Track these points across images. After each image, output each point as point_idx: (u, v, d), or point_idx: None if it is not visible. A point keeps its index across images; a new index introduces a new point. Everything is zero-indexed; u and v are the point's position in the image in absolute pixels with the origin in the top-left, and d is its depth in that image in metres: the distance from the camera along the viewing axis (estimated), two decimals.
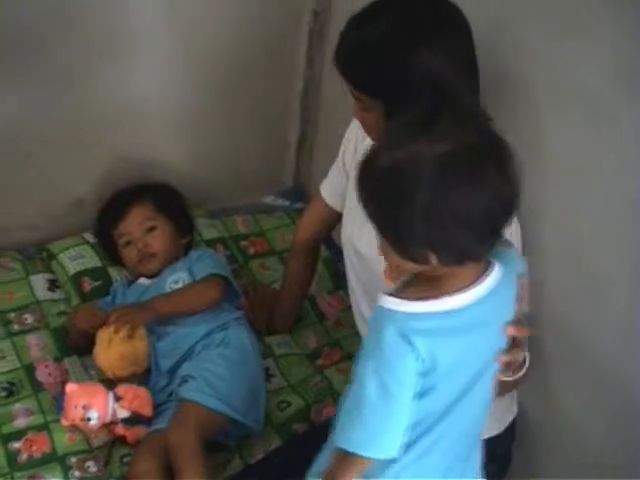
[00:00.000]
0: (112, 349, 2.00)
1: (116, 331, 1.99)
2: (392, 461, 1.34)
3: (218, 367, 1.94)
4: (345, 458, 1.32)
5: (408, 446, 1.34)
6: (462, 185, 1.17)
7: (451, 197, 1.17)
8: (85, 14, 2.16)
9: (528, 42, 1.68)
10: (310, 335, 2.27)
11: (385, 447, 1.30)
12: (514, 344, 1.43)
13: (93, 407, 1.89)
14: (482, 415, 1.44)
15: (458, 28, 1.53)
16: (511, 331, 1.39)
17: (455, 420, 1.36)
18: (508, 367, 1.46)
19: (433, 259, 1.23)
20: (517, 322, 1.41)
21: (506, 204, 1.22)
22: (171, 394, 1.96)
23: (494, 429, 1.77)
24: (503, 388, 1.54)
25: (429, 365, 1.27)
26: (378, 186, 1.23)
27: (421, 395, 1.31)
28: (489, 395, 1.43)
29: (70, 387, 1.92)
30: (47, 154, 2.36)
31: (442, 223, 1.18)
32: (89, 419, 1.88)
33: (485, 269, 1.31)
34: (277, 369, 2.15)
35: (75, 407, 1.89)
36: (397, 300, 1.27)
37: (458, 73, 1.49)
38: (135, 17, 2.24)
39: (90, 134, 2.37)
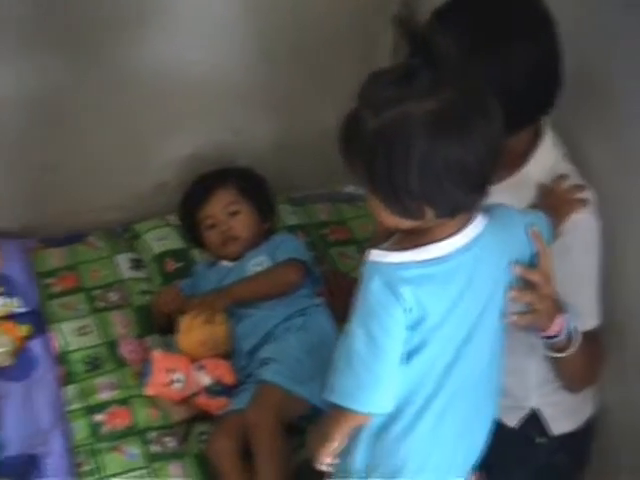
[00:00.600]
0: (192, 335, 2.06)
1: (196, 316, 2.06)
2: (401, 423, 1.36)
3: (298, 351, 1.98)
4: (337, 412, 1.35)
5: (421, 410, 1.36)
6: (454, 137, 1.21)
7: (444, 150, 1.20)
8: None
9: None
10: None
11: (377, 401, 1.32)
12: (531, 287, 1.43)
13: (179, 371, 1.98)
14: (493, 363, 1.44)
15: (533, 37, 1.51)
16: (519, 270, 1.40)
17: (461, 374, 1.37)
18: (516, 306, 1.44)
19: (429, 212, 1.26)
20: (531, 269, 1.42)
21: (494, 150, 1.25)
22: (250, 375, 2.02)
23: (566, 426, 1.78)
24: (564, 371, 1.59)
25: (417, 315, 1.30)
26: (369, 148, 1.25)
27: (416, 351, 1.33)
28: (497, 341, 1.43)
29: (156, 353, 2.02)
30: (134, 136, 2.45)
31: (438, 176, 1.22)
32: (177, 381, 1.97)
33: (468, 219, 1.33)
34: None
35: (162, 370, 1.98)
36: (383, 252, 1.31)
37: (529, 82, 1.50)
38: None
39: (176, 118, 2.45)
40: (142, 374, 2.05)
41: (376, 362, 1.30)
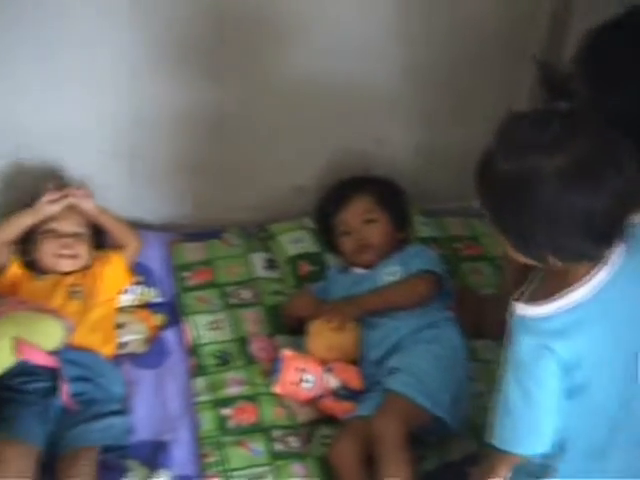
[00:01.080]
0: (322, 340, 2.11)
1: (327, 322, 2.11)
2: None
3: (427, 363, 1.99)
4: (497, 454, 1.47)
5: (587, 448, 1.39)
6: (582, 191, 1.23)
7: (571, 203, 1.23)
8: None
9: None
10: None
11: (533, 445, 1.42)
12: None
13: (309, 371, 2.03)
14: None
15: None
16: None
17: (630, 414, 1.38)
18: None
19: (553, 259, 1.29)
20: None
21: (625, 200, 1.26)
22: (377, 383, 2.04)
23: None
24: None
25: (571, 362, 1.32)
26: (499, 191, 1.29)
27: (577, 390, 1.34)
28: None
29: (287, 352, 2.07)
30: (276, 139, 2.52)
31: (563, 227, 1.25)
32: (305, 380, 2.02)
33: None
34: (480, 374, 2.14)
35: (292, 369, 2.04)
36: (526, 305, 1.35)
37: None
38: None
39: (317, 122, 2.51)
40: (271, 372, 2.11)
41: (531, 412, 1.39)
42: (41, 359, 2.02)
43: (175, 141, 2.48)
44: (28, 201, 2.34)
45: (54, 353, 2.04)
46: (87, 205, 2.35)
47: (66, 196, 2.32)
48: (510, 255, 1.38)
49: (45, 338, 2.04)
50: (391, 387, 1.94)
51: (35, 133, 2.37)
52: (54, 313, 2.09)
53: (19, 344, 1.97)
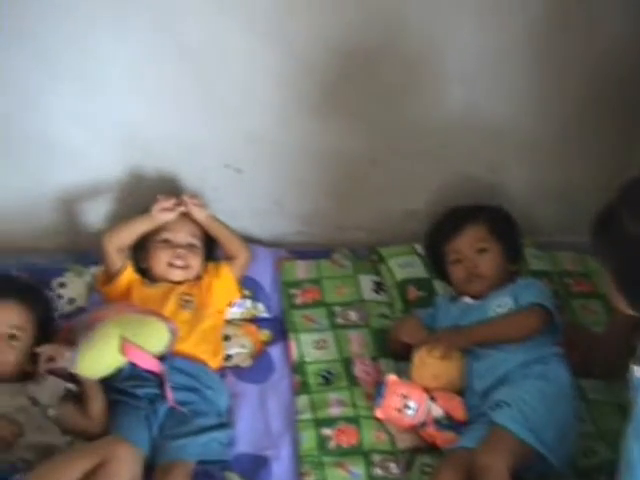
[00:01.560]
0: (427, 368, 2.12)
1: (432, 350, 2.12)
2: None
3: (534, 399, 1.97)
4: None
5: None
6: None
7: None
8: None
9: None
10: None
11: None
12: None
13: (412, 398, 2.04)
14: None
15: None
16: None
17: None
18: None
19: None
20: None
21: None
22: (481, 415, 2.04)
23: None
24: None
25: None
26: (626, 252, 1.29)
27: None
28: None
29: (391, 377, 2.10)
30: (391, 163, 2.56)
31: None
32: (408, 407, 2.04)
33: None
34: (587, 413, 2.14)
35: (396, 394, 2.05)
36: None
37: None
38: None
39: (432, 148, 2.54)
40: (374, 396, 2.13)
41: None
42: (145, 362, 2.09)
43: (288, 159, 2.54)
44: (145, 209, 2.40)
45: (161, 358, 2.11)
46: (199, 214, 2.40)
47: (179, 204, 2.37)
48: (621, 309, 1.38)
49: (150, 340, 2.11)
50: (497, 421, 1.93)
51: (154, 142, 2.47)
52: (159, 316, 2.15)
53: (124, 345, 2.05)
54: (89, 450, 1.92)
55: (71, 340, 2.15)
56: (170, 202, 2.37)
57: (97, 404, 2.08)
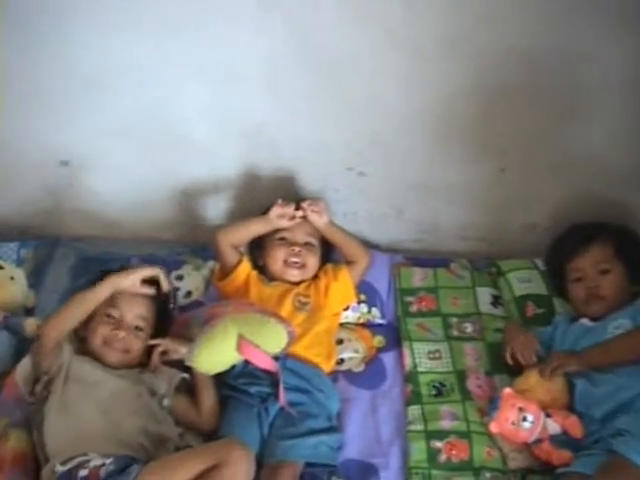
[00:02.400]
0: (538, 387, 2.13)
1: (545, 370, 2.13)
2: None
3: None
4: None
5: None
6: None
7: None
8: None
9: None
10: None
11: None
12: None
13: (529, 411, 2.06)
14: None
15: None
16: None
17: None
18: None
19: None
20: None
21: None
22: (598, 442, 2.03)
23: None
24: None
25: None
26: None
27: None
28: None
29: (508, 390, 2.11)
30: (519, 174, 2.55)
31: None
32: (525, 420, 2.05)
33: None
34: None
35: (512, 407, 2.06)
36: None
37: None
38: None
39: (561, 162, 2.51)
40: (488, 410, 2.16)
41: None
42: (262, 361, 2.13)
43: (411, 164, 2.56)
44: (263, 208, 2.44)
45: (275, 358, 2.16)
46: (318, 222, 2.43)
47: (297, 210, 2.40)
48: None
49: (268, 341, 2.15)
50: (618, 450, 1.92)
51: (280, 141, 2.51)
52: (278, 317, 2.19)
53: (242, 343, 2.09)
54: (205, 451, 1.95)
55: (184, 333, 2.23)
56: (289, 208, 2.40)
57: (209, 399, 2.15)
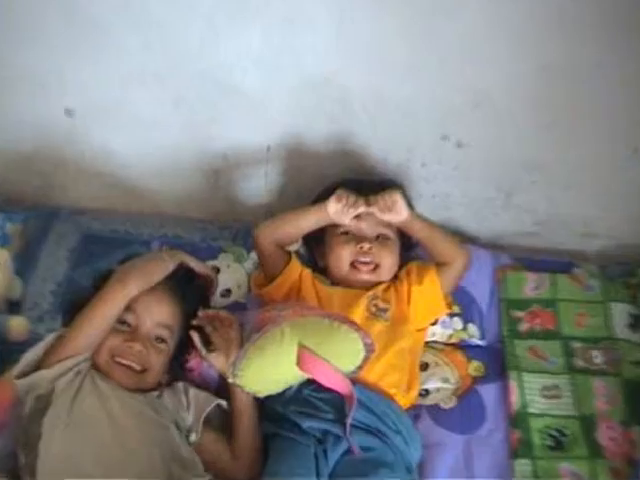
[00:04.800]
0: None
1: None
2: None
3: None
4: None
5: None
6: None
7: None
8: None
9: None
10: None
11: None
12: None
13: None
14: None
15: None
16: None
17: None
18: None
19: None
20: None
21: None
22: None
23: None
24: None
25: None
26: None
27: None
28: None
29: None
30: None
31: None
32: None
33: None
34: None
35: None
36: None
37: None
38: None
39: None
40: (625, 474, 2.00)
41: None
42: (332, 379, 1.97)
43: (523, 132, 2.37)
44: (321, 184, 2.32)
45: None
46: (397, 219, 2.19)
47: (363, 205, 2.16)
48: None
49: (339, 354, 1.97)
50: None
51: (346, 99, 2.36)
52: (352, 324, 1.99)
53: (304, 355, 1.93)
54: None
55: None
56: (352, 203, 2.16)
57: (249, 435, 2.00)
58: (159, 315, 2.01)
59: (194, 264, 2.11)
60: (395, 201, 2.19)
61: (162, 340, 2.00)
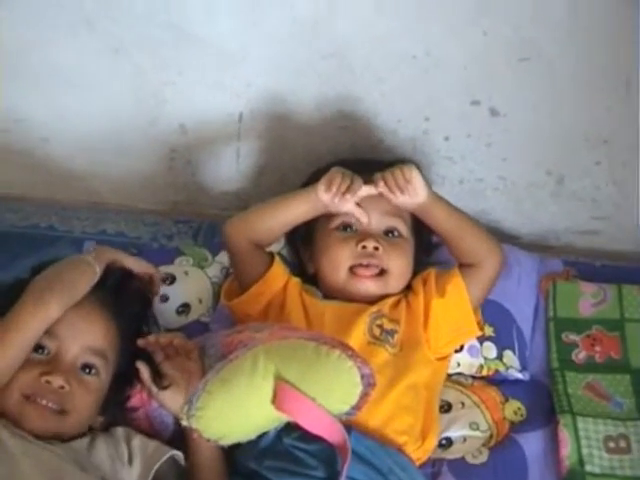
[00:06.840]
0: None
1: None
2: None
3: None
4: None
5: None
6: None
7: None
8: None
9: None
10: None
11: None
12: None
13: None
14: None
15: None
16: None
17: None
18: None
19: None
20: None
21: None
22: None
23: None
24: None
25: None
26: None
27: None
28: None
29: None
30: None
31: None
32: None
33: None
34: None
35: None
36: None
37: None
38: None
39: None
40: None
41: None
42: (318, 423, 1.80)
43: (579, 99, 2.22)
44: (308, 169, 2.21)
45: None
46: (411, 202, 2.04)
47: (360, 186, 2.03)
48: None
49: (329, 390, 1.79)
50: None
51: (343, 50, 2.19)
52: (345, 349, 1.80)
53: (281, 390, 1.76)
54: None
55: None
56: (351, 185, 2.02)
57: None
58: (87, 337, 1.84)
59: (128, 261, 1.97)
60: (410, 178, 2.03)
61: (92, 370, 1.83)
